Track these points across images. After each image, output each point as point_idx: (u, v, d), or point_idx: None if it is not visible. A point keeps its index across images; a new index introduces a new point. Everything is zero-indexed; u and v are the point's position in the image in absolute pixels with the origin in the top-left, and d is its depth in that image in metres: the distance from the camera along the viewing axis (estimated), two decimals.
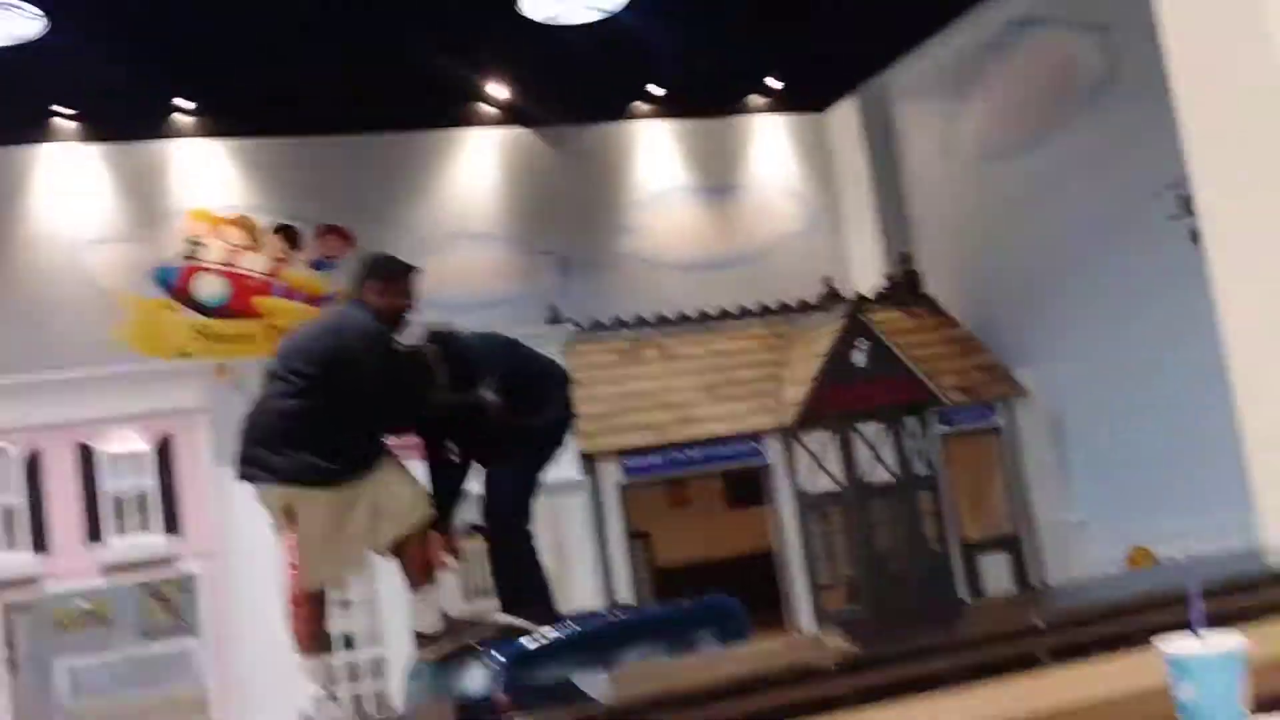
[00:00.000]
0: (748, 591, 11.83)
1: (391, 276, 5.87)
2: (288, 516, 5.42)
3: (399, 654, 9.24)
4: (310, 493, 5.44)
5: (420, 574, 5.79)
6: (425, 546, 5.77)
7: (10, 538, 9.12)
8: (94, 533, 9.30)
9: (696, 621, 6.25)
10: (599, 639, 5.89)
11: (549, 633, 5.81)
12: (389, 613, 9.55)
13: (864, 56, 14.96)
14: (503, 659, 5.65)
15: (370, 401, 5.55)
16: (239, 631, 9.65)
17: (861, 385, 11.88)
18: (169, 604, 11.78)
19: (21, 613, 10.35)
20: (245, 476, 5.54)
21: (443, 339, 5.98)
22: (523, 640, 5.80)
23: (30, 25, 10.68)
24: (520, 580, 5.93)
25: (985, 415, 12.79)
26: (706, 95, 15.36)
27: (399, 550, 5.71)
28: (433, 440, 5.98)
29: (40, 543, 9.16)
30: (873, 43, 14.47)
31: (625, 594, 11.11)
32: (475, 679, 5.69)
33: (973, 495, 12.65)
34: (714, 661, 4.96)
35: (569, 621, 6.05)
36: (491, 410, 5.75)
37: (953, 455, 12.53)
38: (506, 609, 5.95)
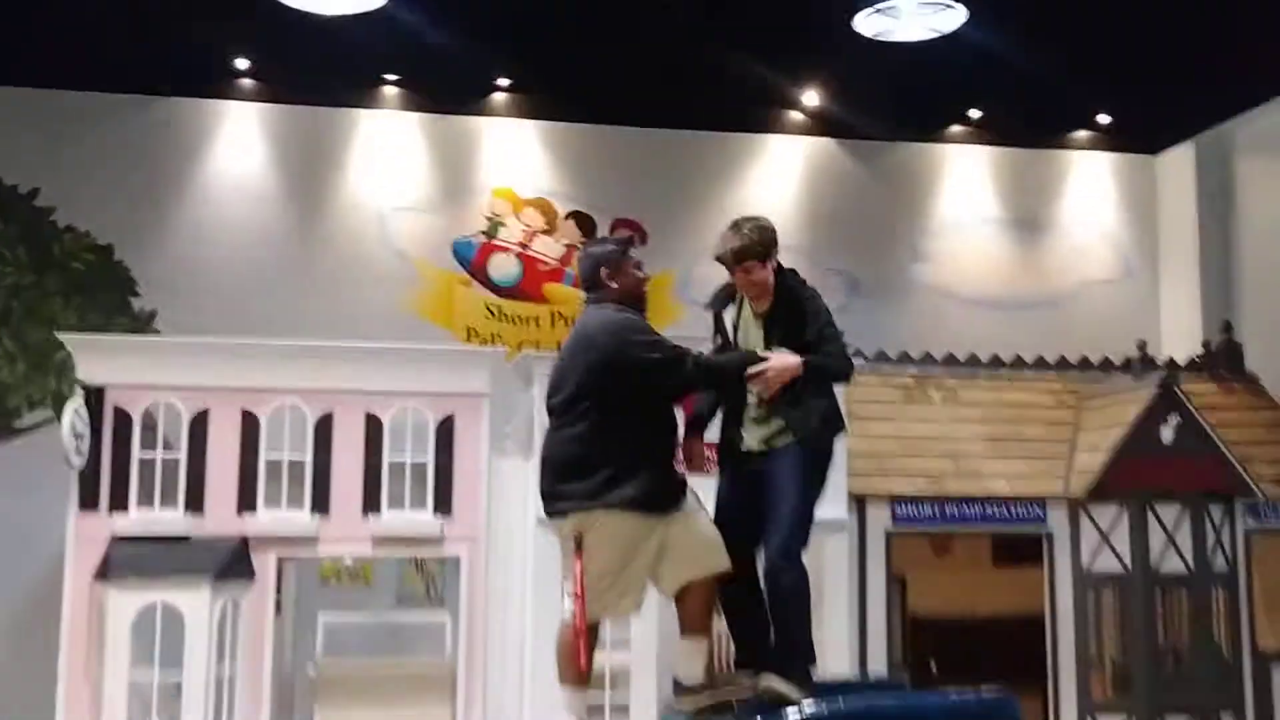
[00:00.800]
0: (1008, 655, 11.35)
1: (614, 259, 5.71)
2: (577, 544, 5.34)
3: (646, 700, 9.17)
4: (603, 517, 5.34)
5: (699, 622, 5.61)
6: (710, 595, 5.59)
7: (294, 496, 9.45)
8: (369, 502, 9.55)
9: (975, 715, 5.85)
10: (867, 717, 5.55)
11: (811, 707, 5.53)
12: (641, 657, 9.45)
13: (1208, 103, 13.84)
14: None
15: (647, 393, 5.38)
16: (490, 615, 9.77)
17: (1165, 463, 10.95)
18: (428, 575, 12.15)
19: (291, 561, 10.82)
20: (549, 513, 5.51)
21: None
22: (788, 712, 5.54)
23: None
24: (790, 630, 5.65)
25: None
26: (1029, 124, 14.61)
27: (682, 594, 5.55)
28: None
29: (319, 504, 9.47)
30: (1220, 90, 13.36)
31: (879, 642, 10.64)
32: None
33: (1275, 600, 11.49)
34: None
35: (832, 695, 5.76)
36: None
37: (1258, 554, 11.41)
38: (769, 665, 5.69)
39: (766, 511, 5.59)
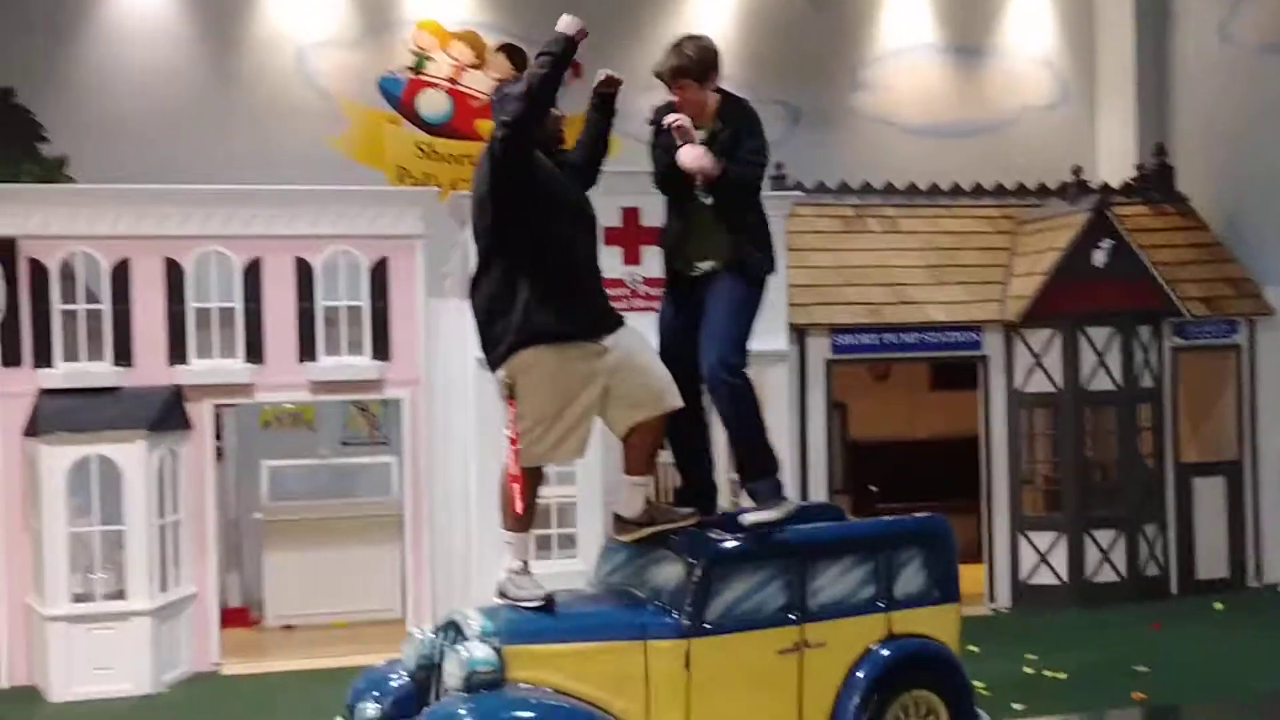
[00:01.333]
0: (944, 475, 11.63)
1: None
2: (510, 391, 5.31)
3: (591, 532, 9.27)
4: (530, 357, 5.29)
5: (645, 463, 5.67)
6: (657, 435, 5.62)
7: (227, 344, 9.30)
8: (305, 349, 9.43)
9: (905, 540, 5.99)
10: (800, 548, 5.67)
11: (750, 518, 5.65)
12: (586, 490, 9.52)
13: None
14: (698, 554, 5.51)
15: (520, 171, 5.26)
16: (434, 456, 9.79)
17: (1097, 285, 11.06)
18: (370, 416, 12.13)
19: (228, 408, 10.75)
20: (490, 365, 5.46)
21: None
22: (721, 540, 5.63)
23: None
24: (747, 439, 5.71)
25: (1225, 332, 11.81)
26: None
27: (630, 434, 5.56)
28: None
29: (254, 352, 9.33)
30: None
31: (820, 469, 10.82)
32: (669, 574, 5.57)
33: (1197, 415, 11.81)
34: None
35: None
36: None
37: (1182, 371, 11.67)
38: (743, 476, 5.77)
39: (703, 331, 5.63)
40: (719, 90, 5.73)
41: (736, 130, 5.63)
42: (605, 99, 5.76)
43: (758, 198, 5.83)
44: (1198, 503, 11.68)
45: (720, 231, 5.67)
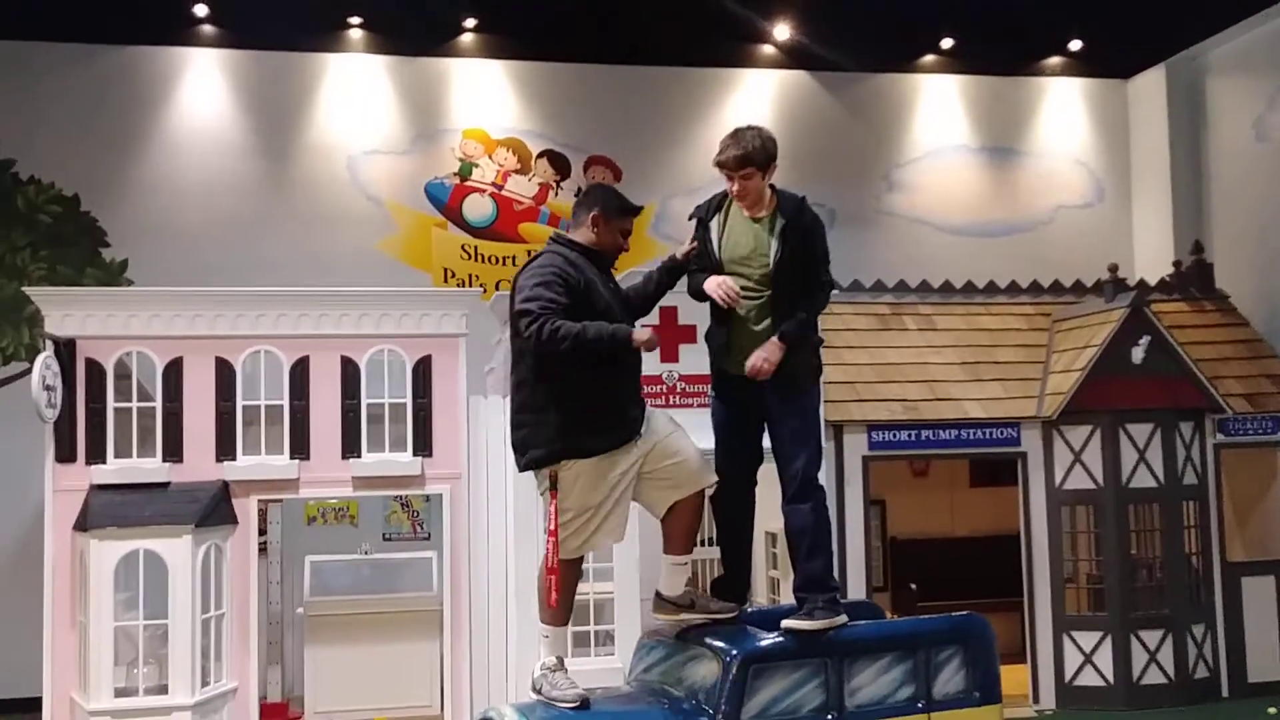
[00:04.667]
0: (985, 573, 11.53)
1: (615, 214, 5.77)
2: (552, 484, 5.42)
3: (630, 628, 9.29)
4: (568, 463, 5.41)
5: (684, 541, 5.74)
6: (695, 514, 5.69)
7: (273, 441, 9.50)
8: (349, 445, 9.60)
9: (943, 639, 5.97)
10: (838, 647, 5.67)
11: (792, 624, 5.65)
12: (624, 587, 9.55)
13: (1179, 24, 13.82)
14: (735, 652, 5.53)
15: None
16: (475, 551, 9.87)
17: (1135, 382, 11.08)
18: (412, 512, 12.26)
19: (274, 503, 10.93)
20: (518, 466, 5.58)
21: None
22: (758, 637, 5.66)
23: None
24: (808, 560, 5.72)
25: (1269, 428, 11.75)
26: (1001, 52, 14.58)
27: (668, 514, 5.64)
28: None
29: (299, 448, 9.52)
30: (1189, 12, 13.36)
31: (859, 566, 10.79)
32: (705, 672, 5.59)
33: (1243, 513, 11.70)
34: None
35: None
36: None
37: (1226, 468, 11.59)
38: (803, 586, 5.78)
39: (783, 438, 5.69)
40: (771, 185, 5.86)
41: (804, 238, 5.68)
42: (676, 269, 5.91)
43: (819, 302, 5.93)
44: (1247, 602, 11.51)
45: (768, 332, 5.73)
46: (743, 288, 5.67)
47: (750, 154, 5.64)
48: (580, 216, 5.79)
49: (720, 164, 5.71)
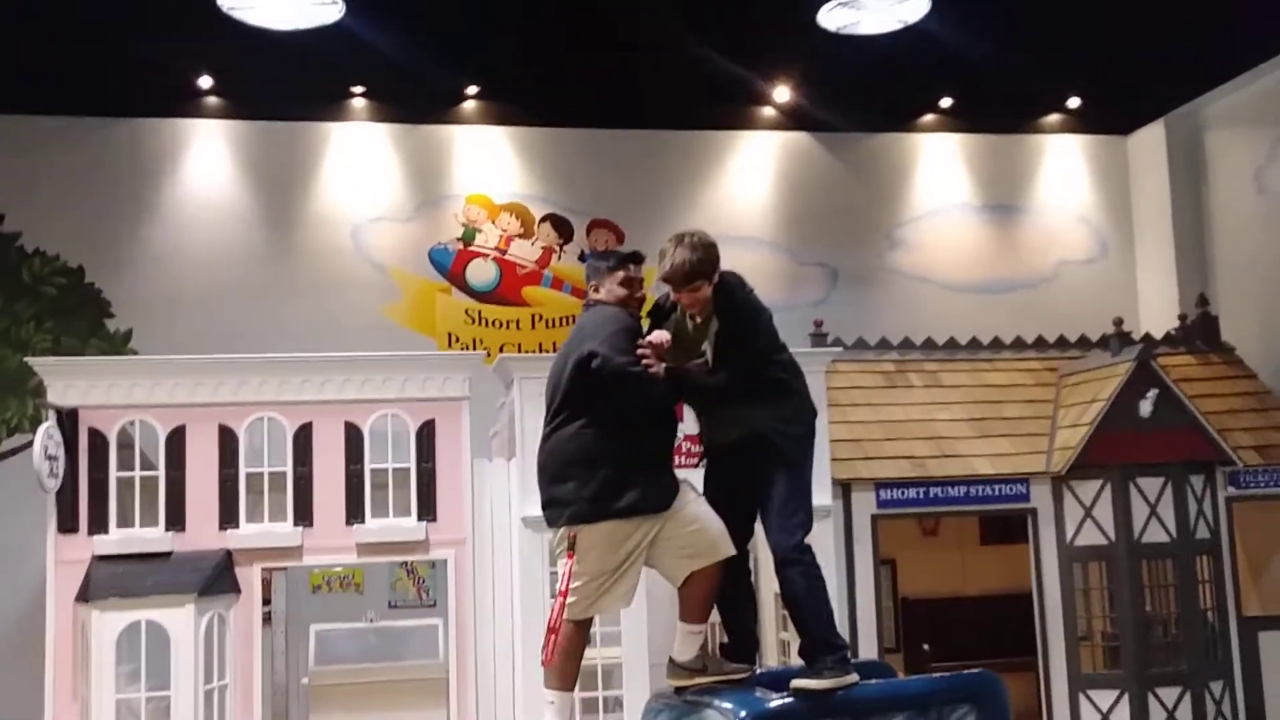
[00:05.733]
0: (998, 632, 11.37)
1: (598, 270, 5.74)
2: (570, 545, 5.35)
3: (639, 694, 9.15)
4: (596, 524, 5.35)
5: (700, 610, 5.65)
6: (713, 584, 5.61)
7: (276, 508, 9.44)
8: (353, 511, 9.54)
9: (955, 697, 5.85)
10: (848, 706, 5.56)
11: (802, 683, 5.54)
12: (632, 652, 9.43)
13: (1176, 81, 13.92)
14: (743, 713, 5.42)
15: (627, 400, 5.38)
16: (480, 617, 9.77)
17: (1144, 436, 11.00)
18: (417, 578, 12.16)
19: (278, 572, 10.84)
20: (546, 520, 5.51)
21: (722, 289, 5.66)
22: (767, 699, 5.55)
23: (330, 10, 11.10)
24: (809, 624, 5.61)
25: None
26: (1000, 110, 14.68)
27: (686, 583, 5.56)
28: None
29: (302, 515, 9.46)
30: (1188, 68, 13.45)
31: (868, 623, 10.66)
32: None
33: (1257, 566, 11.54)
34: None
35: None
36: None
37: (1239, 521, 11.46)
38: (810, 650, 5.68)
39: (762, 511, 5.62)
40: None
41: (725, 318, 5.52)
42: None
43: (767, 372, 5.67)
44: (1265, 657, 11.31)
45: (737, 408, 5.68)
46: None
47: (697, 267, 5.54)
48: (591, 284, 5.76)
49: (666, 279, 5.60)
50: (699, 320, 5.67)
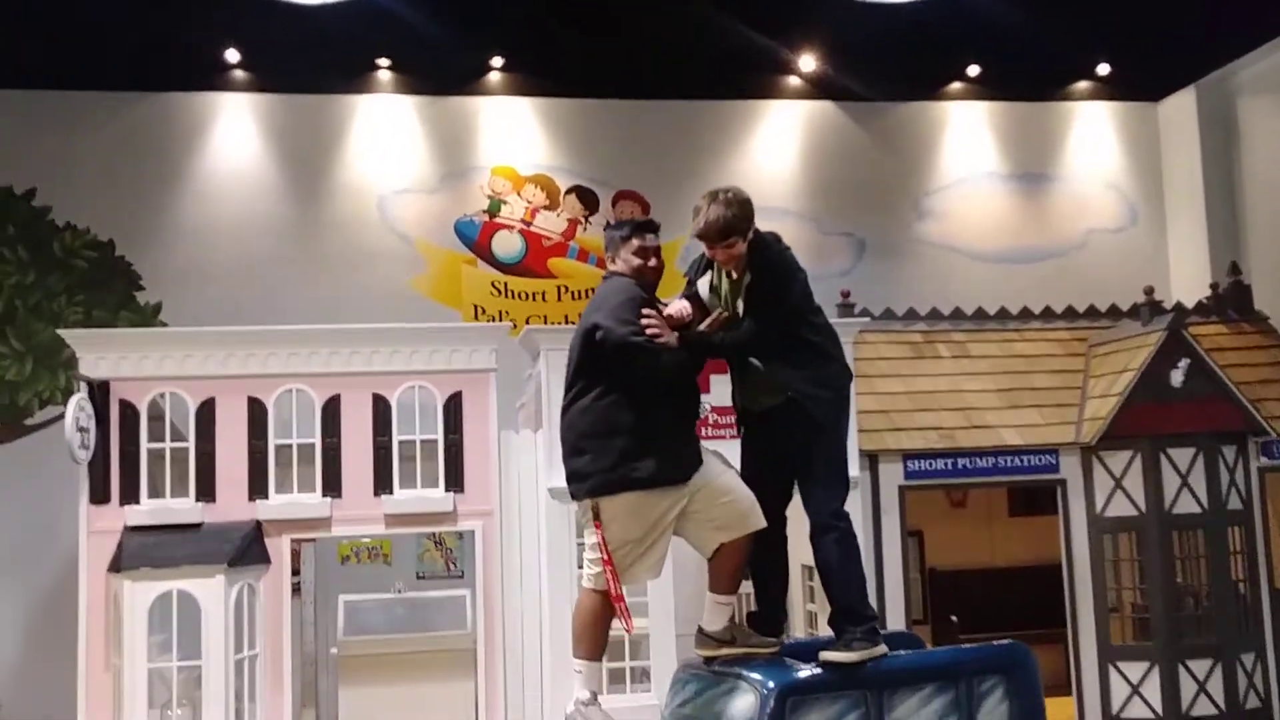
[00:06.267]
0: (1027, 603, 11.33)
1: (612, 240, 5.70)
2: (595, 514, 5.36)
3: (666, 664, 9.18)
4: (616, 498, 5.35)
5: (730, 582, 5.65)
6: (742, 556, 5.61)
7: (305, 479, 9.49)
8: (381, 483, 9.59)
9: (985, 668, 5.83)
10: (877, 677, 5.56)
11: (830, 656, 5.54)
12: (659, 622, 9.44)
13: (1208, 47, 13.72)
14: (771, 684, 5.42)
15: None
16: (508, 587, 9.81)
17: (1175, 406, 10.90)
18: (445, 550, 12.21)
19: (307, 543, 10.91)
20: (571, 494, 5.51)
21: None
22: (795, 669, 5.55)
23: None
24: (842, 592, 5.63)
25: None
26: (1029, 77, 14.51)
27: (715, 554, 5.57)
28: None
29: (331, 486, 9.51)
30: (1219, 33, 13.24)
31: (896, 594, 10.64)
32: (741, 705, 5.49)
33: None
34: None
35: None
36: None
37: (1272, 491, 11.35)
38: (839, 619, 5.68)
39: (800, 479, 5.61)
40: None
41: (757, 276, 5.51)
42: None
43: (800, 334, 5.65)
44: None
45: (769, 371, 5.65)
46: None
47: (731, 223, 5.51)
48: (608, 254, 5.76)
49: (702, 236, 5.56)
50: (735, 278, 5.65)
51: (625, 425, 5.28)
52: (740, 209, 5.48)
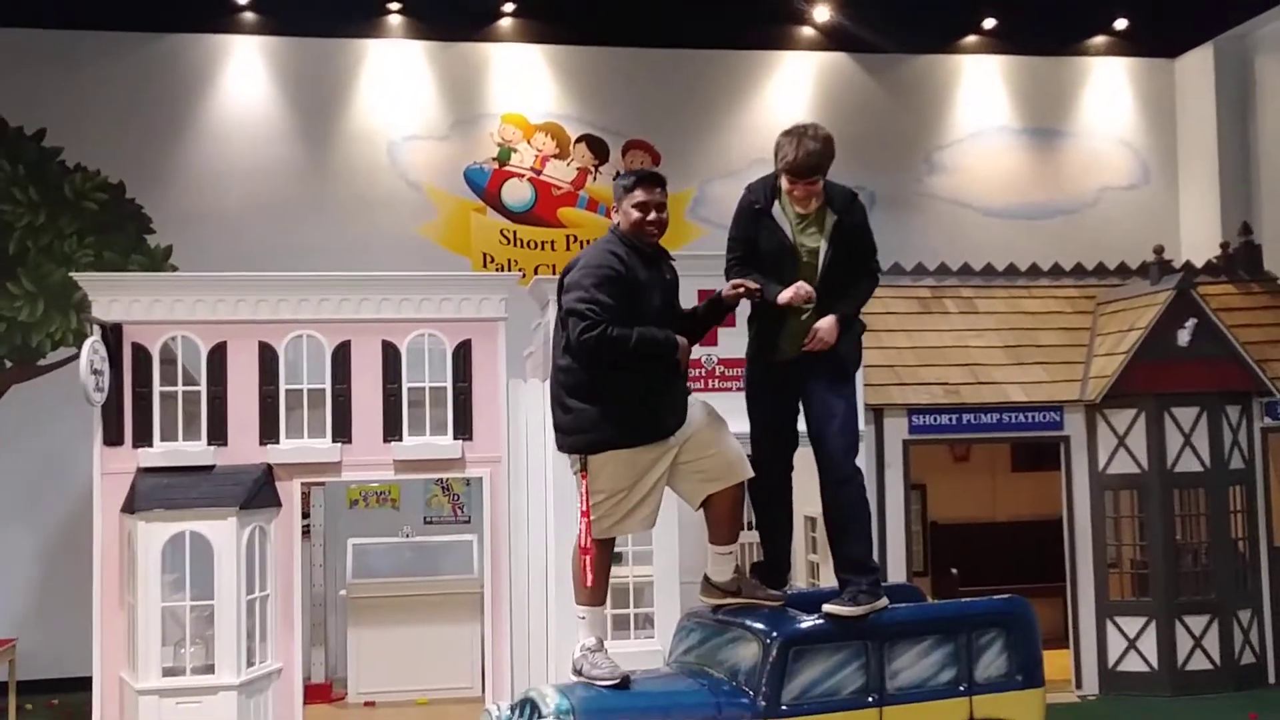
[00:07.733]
0: (1027, 558, 11.46)
1: (616, 194, 5.70)
2: (581, 464, 5.44)
3: (670, 612, 9.29)
4: (602, 453, 5.42)
5: (726, 531, 5.74)
6: (735, 505, 5.69)
7: (315, 424, 9.57)
8: (390, 429, 9.66)
9: (985, 622, 5.94)
10: (879, 629, 5.66)
11: (834, 609, 5.64)
12: (663, 569, 9.55)
13: (1226, 4, 13.64)
14: (775, 634, 5.53)
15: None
16: (515, 533, 9.91)
17: (1181, 365, 10.96)
18: (453, 495, 12.35)
19: (317, 487, 11.04)
20: (559, 447, 5.57)
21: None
22: (799, 620, 5.66)
23: None
24: (849, 543, 5.73)
25: None
26: (1045, 31, 14.40)
27: (707, 505, 5.65)
28: None
29: (341, 432, 9.59)
30: None
31: (898, 547, 10.75)
32: (745, 654, 5.60)
33: None
34: None
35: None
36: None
37: (1274, 452, 11.44)
38: (843, 568, 5.78)
39: (823, 420, 5.68)
40: None
41: (854, 231, 5.67)
42: (722, 307, 5.80)
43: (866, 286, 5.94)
44: None
45: (814, 320, 5.69)
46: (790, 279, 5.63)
47: (823, 160, 5.57)
48: (615, 206, 5.77)
49: (789, 170, 5.56)
50: (803, 210, 5.66)
51: (608, 383, 5.33)
52: (828, 146, 5.59)
